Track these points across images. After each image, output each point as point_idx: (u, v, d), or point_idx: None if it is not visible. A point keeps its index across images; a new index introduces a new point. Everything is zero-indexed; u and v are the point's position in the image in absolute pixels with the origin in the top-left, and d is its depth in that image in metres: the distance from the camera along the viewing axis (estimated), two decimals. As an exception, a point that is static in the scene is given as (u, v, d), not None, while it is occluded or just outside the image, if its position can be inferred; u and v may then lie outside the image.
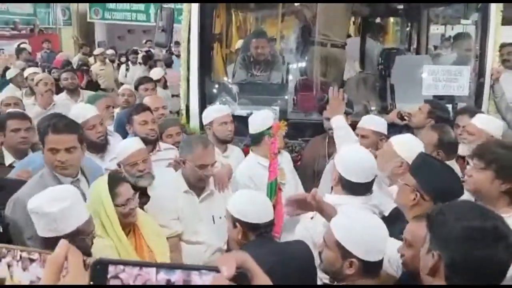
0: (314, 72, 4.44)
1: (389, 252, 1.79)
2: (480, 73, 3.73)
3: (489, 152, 2.03)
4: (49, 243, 1.77)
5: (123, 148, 2.78)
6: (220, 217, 2.60)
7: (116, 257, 2.15)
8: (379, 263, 1.74)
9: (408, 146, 2.52)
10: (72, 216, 1.85)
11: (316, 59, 4.36)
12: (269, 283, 0.56)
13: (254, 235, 2.08)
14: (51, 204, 1.83)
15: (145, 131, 3.13)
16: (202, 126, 3.71)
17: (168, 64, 8.35)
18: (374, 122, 3.08)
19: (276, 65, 4.55)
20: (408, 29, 5.47)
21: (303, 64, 4.81)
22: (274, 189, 2.63)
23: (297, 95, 4.48)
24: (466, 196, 2.09)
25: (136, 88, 4.73)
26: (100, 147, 3.07)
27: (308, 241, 2.18)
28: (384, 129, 3.07)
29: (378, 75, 4.79)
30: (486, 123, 2.91)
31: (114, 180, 2.26)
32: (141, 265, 0.59)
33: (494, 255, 1.28)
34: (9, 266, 0.76)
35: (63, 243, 0.69)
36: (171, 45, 9.48)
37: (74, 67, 8.07)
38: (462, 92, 3.68)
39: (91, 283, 0.58)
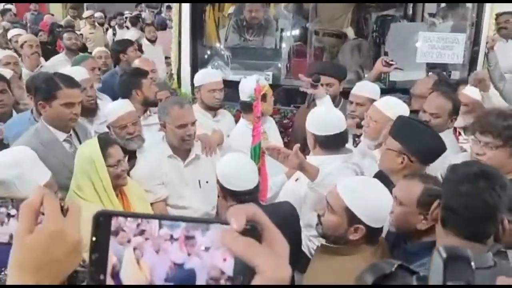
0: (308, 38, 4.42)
1: None
2: (475, 41, 3.70)
3: (504, 128, 1.96)
4: None
5: (112, 110, 2.76)
6: (207, 181, 2.61)
7: None
8: (381, 229, 1.78)
9: (396, 106, 2.55)
10: (30, 180, 1.83)
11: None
12: (280, 235, 0.54)
13: (234, 200, 2.08)
14: (6, 170, 1.82)
15: (153, 93, 3.14)
16: (193, 91, 3.68)
17: (163, 27, 8.19)
18: (368, 89, 3.02)
19: (270, 29, 4.47)
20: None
21: (296, 31, 4.75)
22: (258, 153, 2.62)
23: (290, 61, 4.44)
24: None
25: (124, 51, 4.51)
26: (90, 111, 3.03)
27: (296, 202, 2.20)
28: (378, 95, 3.01)
29: (373, 42, 4.74)
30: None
31: (105, 141, 2.26)
32: (144, 217, 0.57)
33: (477, 192, 1.37)
34: None
35: (38, 188, 0.67)
36: (162, 9, 9.25)
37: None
38: (456, 60, 3.65)
39: (93, 237, 0.56)
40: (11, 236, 0.72)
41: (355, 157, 2.44)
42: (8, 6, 9.50)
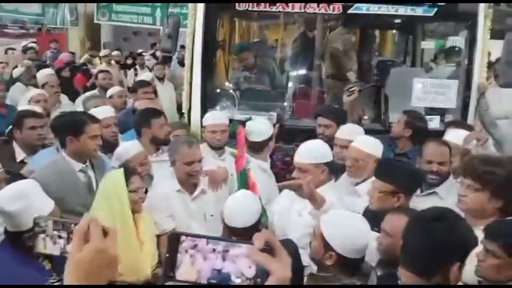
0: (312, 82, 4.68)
1: None
2: (467, 87, 3.92)
3: (484, 173, 2.05)
4: (12, 237, 1.99)
5: (121, 152, 2.98)
6: (212, 215, 2.79)
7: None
8: (358, 261, 1.92)
9: (374, 143, 2.82)
10: (32, 212, 1.92)
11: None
12: (285, 252, 0.84)
13: (232, 235, 2.29)
14: (10, 202, 1.98)
15: (164, 133, 3.37)
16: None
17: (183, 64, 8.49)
18: (350, 131, 3.16)
19: (264, 66, 4.82)
20: (404, 42, 5.65)
21: (302, 73, 5.02)
22: (244, 179, 2.87)
23: (294, 102, 4.69)
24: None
25: (135, 91, 4.83)
26: (111, 147, 3.25)
27: (304, 236, 2.37)
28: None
29: (373, 86, 4.98)
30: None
31: (129, 170, 2.58)
32: (200, 237, 0.85)
33: (428, 233, 1.57)
34: (43, 239, 0.95)
35: (86, 215, 0.89)
36: (177, 50, 9.59)
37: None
38: (449, 104, 3.87)
39: (167, 254, 0.85)
40: (61, 252, 0.92)
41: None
42: (30, 44, 10.02)
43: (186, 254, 0.84)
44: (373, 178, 2.49)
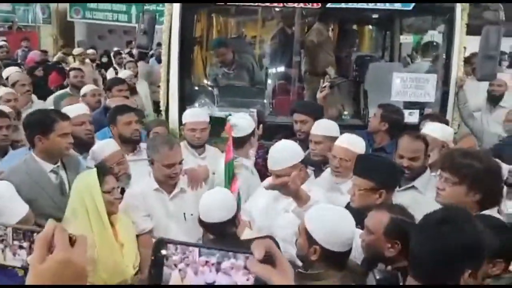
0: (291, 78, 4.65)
1: None
2: (445, 81, 3.94)
3: (461, 166, 2.04)
4: None
5: (97, 151, 2.89)
6: (192, 214, 2.71)
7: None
8: (343, 255, 1.88)
9: (359, 142, 2.78)
10: (4, 215, 1.93)
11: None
12: (287, 262, 0.76)
13: (209, 232, 2.27)
14: None
15: (130, 131, 3.24)
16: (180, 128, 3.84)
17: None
18: (325, 127, 3.14)
19: (244, 64, 4.76)
20: (382, 37, 5.68)
21: (281, 69, 4.98)
22: (231, 170, 2.84)
23: (274, 99, 4.65)
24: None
25: (109, 89, 4.71)
26: (86, 146, 3.13)
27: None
28: (336, 133, 3.11)
29: (353, 81, 4.98)
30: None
31: (103, 170, 2.46)
32: (191, 245, 0.76)
33: (437, 237, 1.41)
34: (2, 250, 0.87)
35: (50, 222, 0.79)
36: (153, 47, 9.45)
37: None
38: (428, 98, 3.89)
39: (153, 257, 0.75)
40: (22, 264, 0.83)
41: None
42: (0, 43, 9.71)
43: (174, 269, 0.75)
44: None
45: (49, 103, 4.70)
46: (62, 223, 2.28)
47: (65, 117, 2.70)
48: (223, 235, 2.25)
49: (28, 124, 2.70)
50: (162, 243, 0.76)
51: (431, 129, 3.07)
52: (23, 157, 2.64)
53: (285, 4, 3.90)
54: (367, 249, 1.95)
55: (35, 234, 0.81)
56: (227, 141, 3.05)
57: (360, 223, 2.15)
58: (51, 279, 0.74)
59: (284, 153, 2.64)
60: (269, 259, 0.74)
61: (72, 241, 0.79)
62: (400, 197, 2.40)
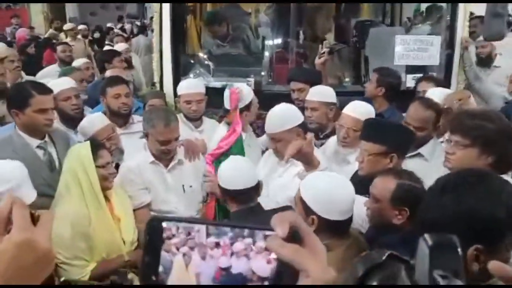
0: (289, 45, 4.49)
1: (355, 209, 1.85)
2: (450, 43, 3.78)
3: (472, 127, 1.92)
4: None
5: (86, 126, 2.76)
6: (191, 186, 2.65)
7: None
8: (344, 223, 1.77)
9: (368, 109, 2.66)
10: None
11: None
12: (318, 241, 0.58)
13: (234, 201, 2.16)
14: None
15: (117, 105, 3.11)
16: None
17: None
18: (320, 93, 3.02)
19: (241, 35, 4.59)
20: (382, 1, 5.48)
21: (277, 38, 4.81)
22: (240, 146, 2.72)
23: (272, 67, 4.50)
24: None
25: (108, 61, 4.58)
26: (75, 121, 3.00)
27: None
28: (332, 98, 3.03)
29: (353, 47, 4.82)
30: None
31: (96, 144, 2.34)
32: (193, 222, 0.60)
33: (455, 202, 1.18)
34: None
35: (7, 196, 0.67)
36: (145, 21, 9.27)
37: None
38: (432, 61, 3.74)
39: (146, 241, 0.59)
40: None
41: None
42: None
43: (176, 253, 0.59)
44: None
45: (39, 78, 4.54)
46: (54, 200, 2.22)
47: (44, 91, 2.49)
48: (248, 204, 2.15)
49: (8, 97, 2.56)
50: (157, 221, 0.60)
51: (432, 93, 2.93)
52: (8, 132, 2.50)
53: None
54: (373, 217, 1.85)
55: None
56: (229, 112, 2.92)
57: (367, 191, 2.05)
58: (8, 263, 0.62)
59: (281, 116, 2.52)
60: (294, 236, 0.57)
61: (34, 218, 0.66)
62: (406, 164, 2.29)
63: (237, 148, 2.76)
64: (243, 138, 3.05)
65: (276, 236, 0.57)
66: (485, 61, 4.37)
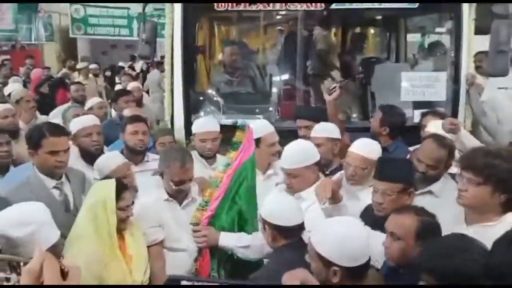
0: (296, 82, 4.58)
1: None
2: (455, 79, 3.85)
3: (485, 166, 1.95)
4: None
5: (103, 164, 2.80)
6: None
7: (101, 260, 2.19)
8: (364, 265, 1.75)
9: (374, 147, 2.70)
10: (37, 241, 1.80)
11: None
12: None
13: (283, 237, 2.14)
14: (15, 228, 1.81)
15: (134, 141, 3.19)
16: (187, 137, 3.77)
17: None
18: (326, 129, 3.09)
19: (247, 71, 4.70)
20: (387, 38, 5.61)
21: (285, 76, 4.92)
22: (254, 166, 2.65)
23: (280, 104, 4.58)
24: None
25: (115, 100, 4.75)
26: (95, 158, 3.03)
27: None
28: (337, 134, 3.09)
29: (359, 83, 4.91)
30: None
31: (121, 184, 2.35)
32: (212, 282, 0.59)
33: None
34: None
35: (38, 252, 0.69)
36: (155, 59, 9.51)
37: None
38: (439, 97, 3.80)
39: None
40: None
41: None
42: (4, 61, 9.75)
43: None
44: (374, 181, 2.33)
45: (52, 117, 4.66)
46: (69, 238, 2.23)
47: (56, 133, 2.50)
48: (294, 239, 2.14)
49: (25, 138, 2.61)
50: (175, 281, 0.59)
51: (437, 126, 2.96)
52: (27, 173, 2.54)
53: (287, 7, 3.82)
54: (397, 256, 1.84)
55: (22, 264, 0.72)
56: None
57: (379, 227, 2.06)
58: None
59: (300, 152, 2.56)
60: None
61: (64, 273, 0.69)
62: (416, 202, 2.30)
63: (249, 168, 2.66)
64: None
65: None
66: None
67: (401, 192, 2.19)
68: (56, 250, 1.94)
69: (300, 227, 2.17)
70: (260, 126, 3.10)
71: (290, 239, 2.14)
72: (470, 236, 1.60)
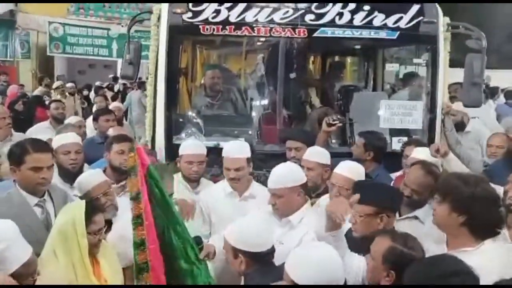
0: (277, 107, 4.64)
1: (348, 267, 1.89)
2: (431, 108, 3.99)
3: (444, 185, 2.06)
4: None
5: (83, 182, 2.77)
6: None
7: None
8: None
9: (359, 169, 2.81)
10: (7, 259, 1.80)
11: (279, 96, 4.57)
12: None
13: (256, 264, 2.12)
14: None
15: (119, 161, 3.15)
16: (168, 158, 3.76)
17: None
18: (318, 154, 3.16)
19: (228, 94, 4.78)
20: (365, 67, 5.78)
21: (265, 100, 4.99)
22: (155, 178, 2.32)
23: (261, 128, 4.63)
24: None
25: (95, 119, 4.72)
26: (72, 176, 3.01)
27: None
28: (328, 160, 3.16)
29: (338, 110, 5.01)
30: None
31: (93, 207, 2.28)
32: None
33: None
34: None
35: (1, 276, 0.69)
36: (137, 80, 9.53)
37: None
38: (416, 125, 3.94)
39: None
40: None
41: None
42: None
43: None
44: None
45: (29, 135, 4.57)
46: (39, 261, 2.15)
47: (40, 149, 2.46)
48: (268, 264, 2.13)
49: (7, 154, 2.56)
50: None
51: (420, 153, 3.10)
52: (8, 190, 2.48)
53: (271, 34, 3.91)
54: (369, 275, 1.90)
55: None
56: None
57: (359, 249, 2.10)
58: None
59: (286, 173, 2.59)
60: None
61: None
62: (401, 226, 2.36)
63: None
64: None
65: None
66: (458, 126, 4.59)
67: (372, 215, 2.23)
68: (28, 268, 1.90)
69: (271, 252, 2.17)
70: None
71: (262, 264, 2.13)
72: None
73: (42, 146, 2.55)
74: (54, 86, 9.51)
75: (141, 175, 2.16)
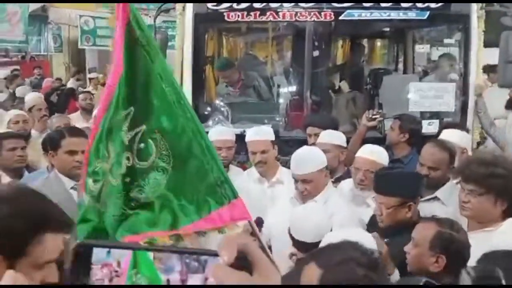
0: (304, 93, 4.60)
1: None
2: (464, 90, 3.86)
3: (487, 176, 1.98)
4: None
5: None
6: None
7: None
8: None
9: (382, 152, 2.73)
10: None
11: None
12: (271, 265, 0.54)
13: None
14: None
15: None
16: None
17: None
18: (332, 136, 3.12)
19: (248, 81, 4.71)
20: (395, 50, 5.64)
21: (293, 86, 4.94)
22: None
23: (288, 114, 4.60)
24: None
25: None
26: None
27: None
28: (343, 142, 3.12)
29: (367, 94, 4.92)
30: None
31: None
32: (130, 248, 0.55)
33: None
34: None
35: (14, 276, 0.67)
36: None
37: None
38: (448, 108, 3.81)
39: (72, 268, 0.54)
40: None
41: None
42: (14, 72, 9.87)
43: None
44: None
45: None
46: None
47: (76, 134, 2.64)
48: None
49: (43, 142, 2.72)
50: (86, 247, 0.53)
51: (449, 135, 3.02)
52: (45, 175, 2.64)
53: (296, 18, 3.85)
54: (412, 263, 1.85)
55: None
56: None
57: (389, 237, 2.07)
58: None
59: (312, 156, 2.58)
60: (243, 263, 0.51)
61: None
62: (423, 208, 2.30)
63: None
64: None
65: (222, 264, 0.51)
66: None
67: (399, 206, 2.18)
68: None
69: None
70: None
71: None
72: None
73: (78, 131, 2.73)
74: (90, 76, 9.74)
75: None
